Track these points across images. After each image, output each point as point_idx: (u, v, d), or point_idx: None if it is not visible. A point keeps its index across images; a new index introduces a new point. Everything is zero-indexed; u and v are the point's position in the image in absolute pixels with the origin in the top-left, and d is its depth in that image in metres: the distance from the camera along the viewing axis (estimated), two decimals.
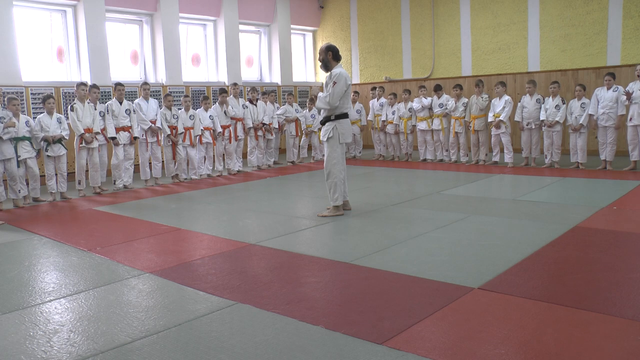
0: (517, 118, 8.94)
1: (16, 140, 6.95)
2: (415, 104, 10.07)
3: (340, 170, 5.76)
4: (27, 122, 7.11)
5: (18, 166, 6.94)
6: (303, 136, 11.07)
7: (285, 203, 6.77)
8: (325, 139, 5.77)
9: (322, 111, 5.89)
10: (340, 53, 5.79)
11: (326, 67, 5.73)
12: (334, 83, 5.54)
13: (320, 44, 14.18)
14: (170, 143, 8.72)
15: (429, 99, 9.98)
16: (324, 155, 6.10)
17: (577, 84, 8.58)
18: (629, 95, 7.80)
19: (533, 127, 8.78)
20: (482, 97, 9.18)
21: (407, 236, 4.76)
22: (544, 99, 8.77)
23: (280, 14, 12.97)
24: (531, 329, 2.77)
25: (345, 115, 5.73)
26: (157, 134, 8.64)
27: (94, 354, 2.69)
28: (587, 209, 5.52)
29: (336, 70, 5.64)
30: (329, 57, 5.68)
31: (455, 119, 9.54)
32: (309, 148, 11.47)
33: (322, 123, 5.85)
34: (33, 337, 2.93)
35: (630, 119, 7.93)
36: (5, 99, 7.04)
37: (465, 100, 9.50)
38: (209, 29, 11.93)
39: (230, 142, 9.52)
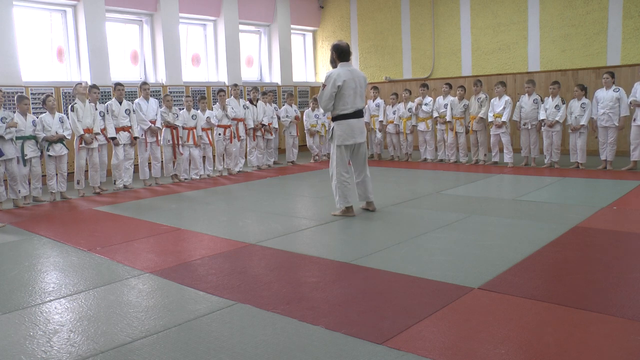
0: (515, 118, 8.96)
1: (23, 139, 6.97)
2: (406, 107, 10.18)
3: (342, 172, 5.61)
4: (33, 122, 7.14)
5: (24, 165, 6.97)
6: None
7: (285, 203, 6.77)
8: (329, 139, 5.80)
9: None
10: (346, 54, 5.60)
11: (333, 65, 5.66)
12: (324, 86, 5.49)
13: (320, 44, 14.19)
14: (170, 143, 8.72)
15: (415, 102, 10.02)
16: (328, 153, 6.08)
17: (576, 85, 8.57)
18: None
19: (530, 127, 8.79)
20: (478, 98, 9.19)
21: (407, 236, 4.75)
22: (542, 99, 8.78)
23: (280, 14, 12.97)
24: (531, 329, 2.77)
25: (344, 117, 5.55)
26: (156, 134, 8.64)
27: (94, 354, 2.69)
28: (587, 209, 5.52)
29: (332, 70, 5.56)
30: (334, 56, 5.61)
31: (456, 119, 9.54)
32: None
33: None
34: (33, 337, 2.93)
35: (634, 120, 7.92)
36: (15, 97, 7.12)
37: (467, 102, 9.51)
38: (209, 29, 11.93)
39: (231, 142, 9.52)
